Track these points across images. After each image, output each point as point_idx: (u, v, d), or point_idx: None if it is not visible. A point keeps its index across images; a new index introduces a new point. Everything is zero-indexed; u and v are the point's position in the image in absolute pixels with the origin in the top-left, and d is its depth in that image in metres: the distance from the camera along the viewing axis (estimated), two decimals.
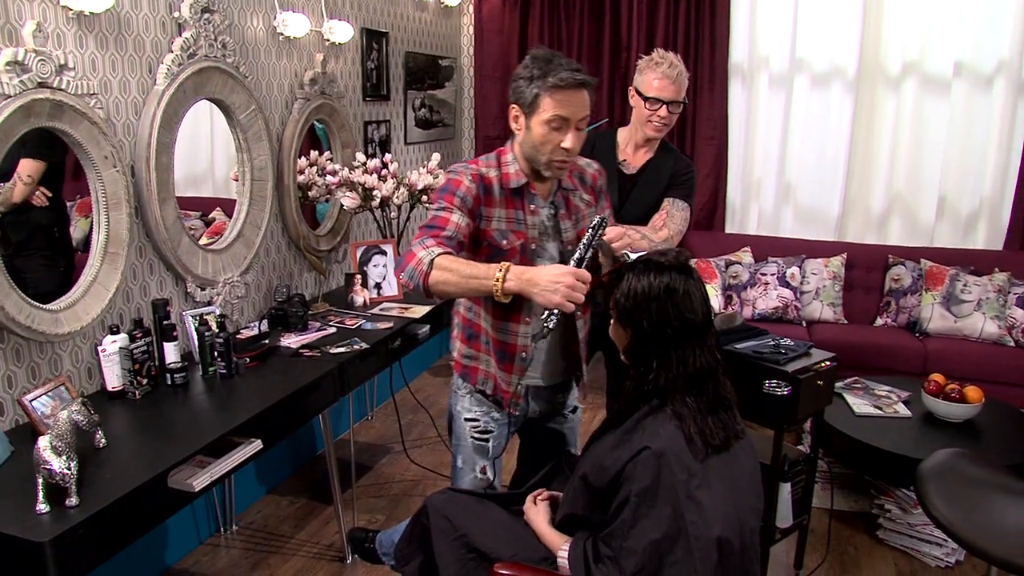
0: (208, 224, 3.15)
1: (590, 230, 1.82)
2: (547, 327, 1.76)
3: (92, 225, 2.40)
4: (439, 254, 1.80)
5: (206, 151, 3.10)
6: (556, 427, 2.27)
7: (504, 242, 1.97)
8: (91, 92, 2.27)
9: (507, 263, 1.79)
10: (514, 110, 1.94)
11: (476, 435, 2.14)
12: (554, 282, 1.70)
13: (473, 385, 2.12)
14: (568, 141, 1.89)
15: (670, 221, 2.63)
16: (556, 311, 1.74)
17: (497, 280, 1.75)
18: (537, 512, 1.86)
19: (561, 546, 1.72)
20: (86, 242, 2.60)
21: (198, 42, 2.64)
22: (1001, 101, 4.31)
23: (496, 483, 2.21)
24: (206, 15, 2.66)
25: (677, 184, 2.70)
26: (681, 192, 2.69)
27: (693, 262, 1.90)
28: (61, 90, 2.16)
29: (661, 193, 2.70)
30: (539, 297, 1.72)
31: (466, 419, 2.15)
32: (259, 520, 3.19)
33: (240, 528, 3.12)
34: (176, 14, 2.57)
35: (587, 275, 1.74)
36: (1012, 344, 3.99)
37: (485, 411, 2.14)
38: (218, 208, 3.15)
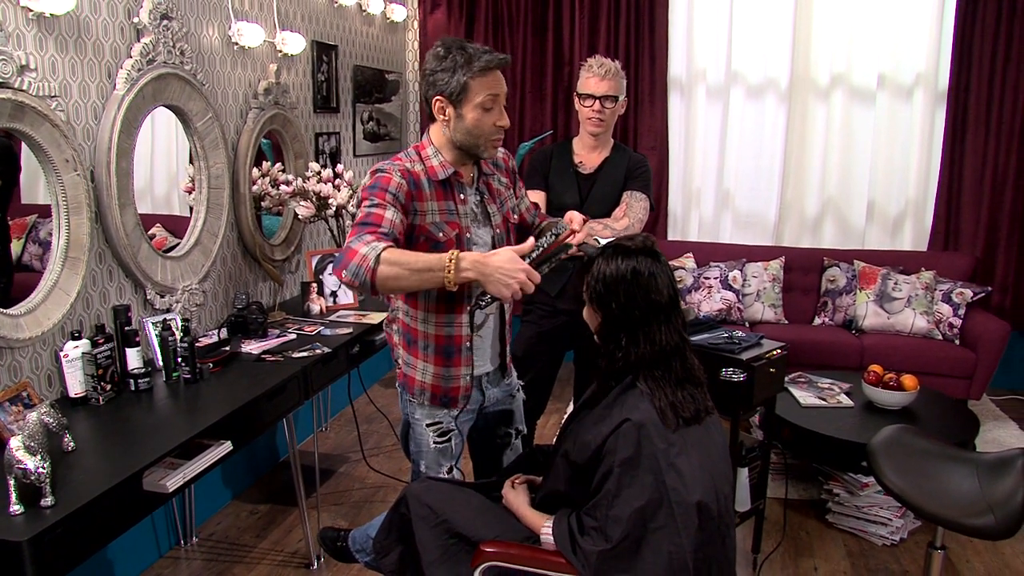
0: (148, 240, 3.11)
1: (551, 235, 1.87)
2: (480, 306, 1.86)
3: (52, 230, 2.37)
4: (383, 248, 1.76)
5: (145, 168, 3.06)
6: (506, 407, 2.28)
7: (440, 235, 1.97)
8: (52, 94, 2.26)
9: (455, 250, 1.79)
10: (439, 102, 1.95)
11: (438, 439, 2.12)
12: (509, 275, 1.74)
13: (411, 396, 2.13)
14: (502, 119, 1.97)
15: (630, 211, 2.77)
16: (487, 298, 1.83)
17: (448, 270, 1.75)
18: (516, 495, 1.91)
19: (544, 524, 1.77)
20: (18, 261, 2.56)
21: (157, 48, 2.64)
22: (920, 110, 4.61)
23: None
24: (164, 22, 2.66)
25: (633, 177, 2.86)
26: (638, 184, 2.85)
27: None
28: (22, 91, 2.14)
29: (619, 188, 2.84)
30: (491, 285, 1.76)
31: (427, 424, 2.12)
32: (220, 531, 3.14)
33: (201, 540, 3.07)
34: (135, 20, 2.57)
35: (537, 278, 1.79)
36: (940, 337, 4.23)
37: (445, 411, 2.12)
38: (158, 224, 3.11)
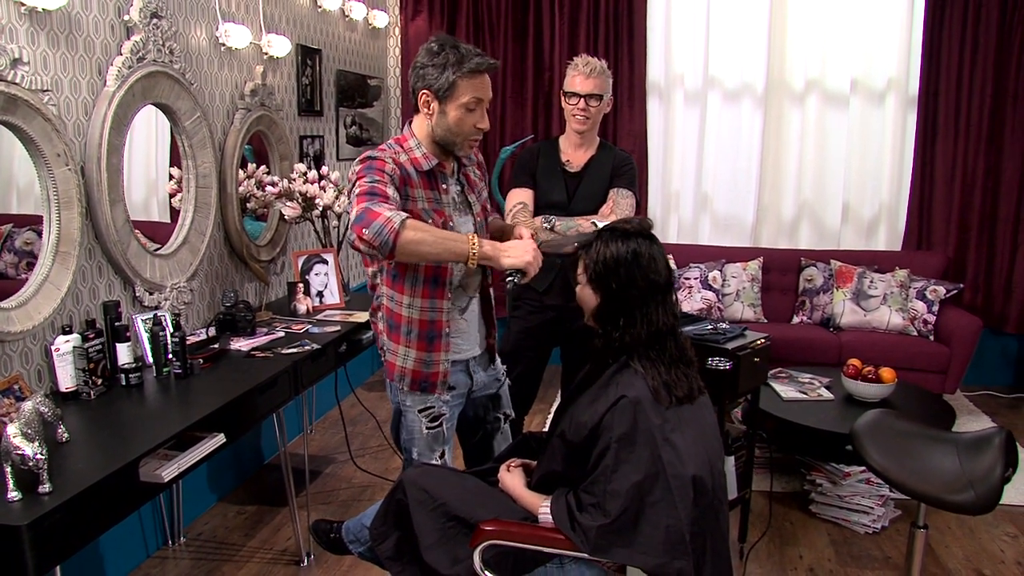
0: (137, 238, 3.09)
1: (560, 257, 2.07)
2: (515, 281, 1.96)
3: (43, 224, 2.35)
4: (407, 217, 1.84)
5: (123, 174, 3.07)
6: (493, 391, 2.34)
7: (429, 222, 2.02)
8: (44, 88, 2.27)
9: (472, 233, 1.93)
10: (425, 96, 2.02)
11: (430, 424, 2.16)
12: (521, 249, 1.92)
13: (391, 381, 2.17)
14: (483, 121, 2.05)
15: (616, 209, 2.82)
16: (518, 274, 1.93)
17: (473, 244, 1.88)
18: (512, 478, 1.94)
19: (542, 504, 1.80)
20: None
21: (147, 46, 2.65)
22: (892, 115, 4.74)
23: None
24: (155, 20, 2.68)
25: (619, 175, 2.91)
26: (624, 181, 2.90)
27: None
28: (16, 84, 2.15)
29: (606, 186, 2.89)
30: (510, 259, 1.91)
31: (419, 410, 2.16)
32: (207, 531, 3.13)
33: (188, 540, 3.06)
34: (126, 17, 2.58)
35: (541, 257, 1.97)
36: (915, 333, 4.34)
37: (435, 396, 2.17)
38: (136, 231, 3.10)
